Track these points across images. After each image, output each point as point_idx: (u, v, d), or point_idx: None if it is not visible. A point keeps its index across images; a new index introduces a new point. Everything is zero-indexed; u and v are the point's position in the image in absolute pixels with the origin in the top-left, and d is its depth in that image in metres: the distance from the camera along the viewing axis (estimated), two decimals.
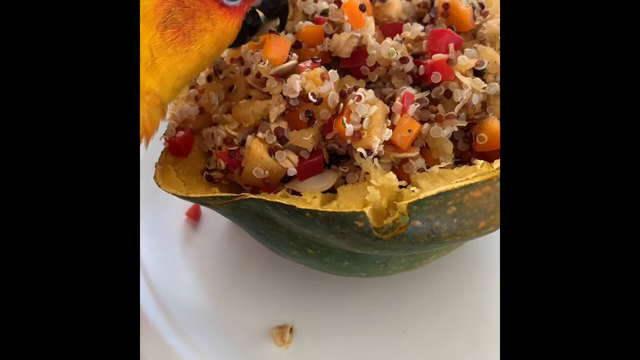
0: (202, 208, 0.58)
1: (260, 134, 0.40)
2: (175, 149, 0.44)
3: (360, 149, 0.37)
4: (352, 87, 0.39)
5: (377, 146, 0.37)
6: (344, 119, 0.37)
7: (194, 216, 0.57)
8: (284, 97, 0.40)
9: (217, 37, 0.38)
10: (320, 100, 0.39)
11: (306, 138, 0.39)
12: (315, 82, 0.39)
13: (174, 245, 0.56)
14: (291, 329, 0.49)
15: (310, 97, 0.38)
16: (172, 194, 0.42)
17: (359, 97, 0.37)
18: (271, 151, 0.40)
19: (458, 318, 0.49)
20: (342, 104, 0.39)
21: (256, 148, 0.39)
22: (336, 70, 0.41)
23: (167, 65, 0.36)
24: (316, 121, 0.39)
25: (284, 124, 0.40)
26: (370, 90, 0.39)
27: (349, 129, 0.37)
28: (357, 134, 0.37)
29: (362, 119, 0.37)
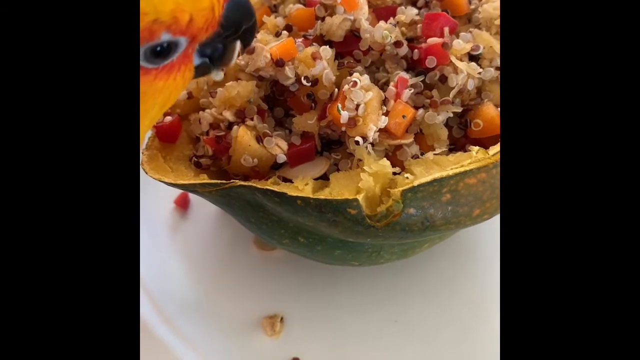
0: (191, 196, 0.57)
1: (248, 122, 0.39)
2: (163, 135, 0.43)
3: (355, 137, 0.36)
4: (351, 61, 0.39)
5: (372, 134, 0.36)
6: (339, 105, 0.36)
7: (183, 205, 0.56)
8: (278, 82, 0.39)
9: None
10: (316, 82, 0.38)
11: (310, 121, 0.38)
12: (307, 64, 0.38)
13: (162, 234, 0.55)
14: (282, 318, 0.49)
15: (304, 81, 0.37)
16: (160, 180, 0.40)
17: (355, 83, 0.36)
18: (259, 138, 0.39)
19: (450, 307, 0.49)
20: (337, 89, 0.38)
21: (243, 136, 0.38)
22: (328, 46, 0.40)
23: None
24: (317, 103, 0.38)
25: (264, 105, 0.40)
26: (366, 76, 0.38)
27: (344, 116, 0.36)
28: (352, 121, 0.36)
29: (358, 105, 0.36)
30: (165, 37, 0.27)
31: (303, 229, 0.40)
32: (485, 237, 0.52)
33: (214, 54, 0.33)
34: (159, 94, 0.30)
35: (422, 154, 0.38)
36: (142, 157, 0.42)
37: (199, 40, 0.30)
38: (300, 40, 0.40)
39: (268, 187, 0.37)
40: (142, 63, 0.28)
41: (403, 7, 0.42)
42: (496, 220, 0.42)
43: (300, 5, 0.43)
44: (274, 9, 0.48)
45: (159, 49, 0.27)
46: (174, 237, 0.55)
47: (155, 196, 0.56)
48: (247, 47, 0.36)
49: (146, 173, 0.41)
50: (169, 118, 0.43)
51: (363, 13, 0.41)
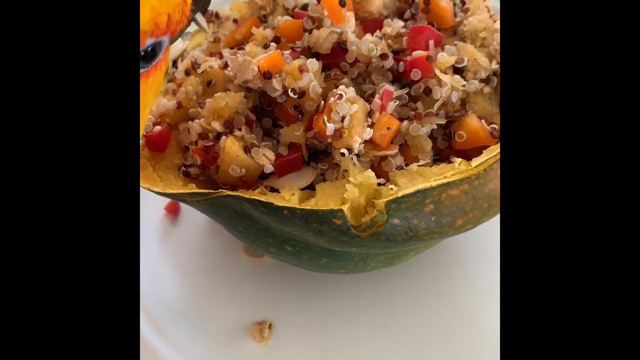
0: (182, 203, 0.57)
1: (236, 132, 0.40)
2: (153, 144, 0.43)
3: (341, 149, 0.37)
4: (338, 73, 0.40)
5: (357, 145, 0.37)
6: (325, 117, 0.37)
7: (173, 211, 0.56)
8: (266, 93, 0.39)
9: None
10: (303, 94, 0.38)
11: (297, 133, 0.39)
12: (294, 76, 0.39)
13: (152, 240, 0.55)
14: (270, 325, 0.49)
15: (291, 94, 0.38)
16: (149, 189, 0.41)
17: (340, 96, 0.37)
18: (247, 149, 0.39)
19: (438, 312, 0.49)
20: (323, 101, 0.38)
21: (231, 146, 0.39)
22: (315, 58, 0.40)
23: None
24: (304, 115, 0.39)
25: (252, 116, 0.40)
26: (352, 88, 0.39)
27: (330, 128, 0.37)
28: (338, 133, 0.37)
29: (343, 117, 0.37)
30: (149, 42, 0.28)
31: (290, 238, 0.41)
32: (471, 244, 0.53)
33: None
34: (153, 86, 0.32)
35: (406, 164, 0.39)
36: None
37: (177, 31, 0.31)
38: (287, 52, 0.40)
39: (255, 197, 0.37)
40: None
41: (389, 20, 0.43)
42: (480, 227, 0.43)
43: (288, 17, 0.44)
44: (263, 19, 0.49)
45: (144, 53, 0.29)
46: (164, 244, 0.55)
47: (146, 202, 0.56)
48: (205, 14, 0.36)
49: None
50: (158, 127, 0.43)
51: (350, 26, 0.42)
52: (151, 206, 0.56)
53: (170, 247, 0.55)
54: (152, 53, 0.29)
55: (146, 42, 0.28)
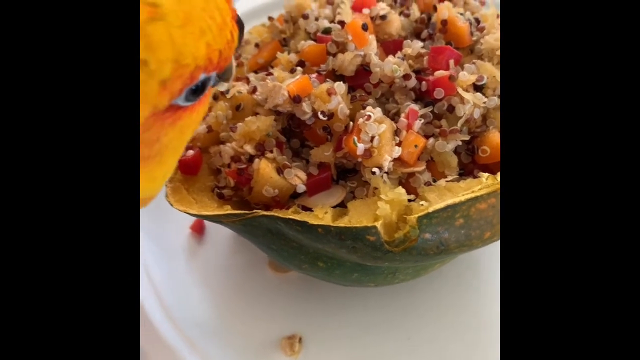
0: (206, 222, 0.58)
1: (268, 154, 0.41)
2: (185, 168, 0.45)
3: (372, 168, 0.38)
4: (362, 94, 0.41)
5: (387, 164, 0.38)
6: (355, 138, 0.38)
7: (199, 230, 0.58)
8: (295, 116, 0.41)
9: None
10: (332, 116, 0.40)
11: (327, 153, 0.40)
12: (323, 99, 0.40)
13: (179, 259, 0.57)
14: (300, 339, 0.50)
15: (320, 116, 0.40)
16: (185, 212, 0.42)
17: (369, 117, 0.39)
18: (279, 170, 0.41)
19: (461, 322, 0.51)
20: (352, 123, 0.40)
21: (264, 168, 0.40)
22: (341, 81, 0.42)
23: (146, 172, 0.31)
24: (332, 135, 0.41)
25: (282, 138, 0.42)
26: (378, 108, 0.40)
27: (360, 148, 0.38)
28: (368, 153, 0.38)
29: (372, 137, 0.38)
30: (202, 77, 0.29)
31: (322, 255, 0.42)
32: (493, 254, 0.54)
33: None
34: (195, 122, 0.32)
35: (434, 180, 0.40)
36: (167, 190, 0.44)
37: (224, 68, 0.32)
38: (314, 76, 0.42)
39: (290, 217, 0.39)
40: (183, 103, 0.30)
41: (409, 41, 0.45)
42: None
43: (312, 42, 0.45)
44: (284, 43, 0.51)
45: (194, 87, 0.29)
46: (190, 262, 0.56)
47: (172, 222, 0.57)
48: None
49: (171, 205, 0.43)
50: (190, 152, 0.45)
51: (372, 48, 0.43)
52: (177, 226, 0.58)
53: (197, 265, 0.56)
54: (202, 87, 0.30)
55: (199, 76, 0.29)
